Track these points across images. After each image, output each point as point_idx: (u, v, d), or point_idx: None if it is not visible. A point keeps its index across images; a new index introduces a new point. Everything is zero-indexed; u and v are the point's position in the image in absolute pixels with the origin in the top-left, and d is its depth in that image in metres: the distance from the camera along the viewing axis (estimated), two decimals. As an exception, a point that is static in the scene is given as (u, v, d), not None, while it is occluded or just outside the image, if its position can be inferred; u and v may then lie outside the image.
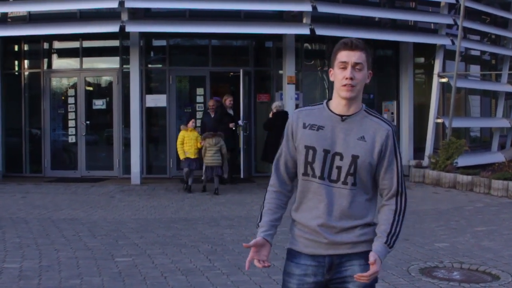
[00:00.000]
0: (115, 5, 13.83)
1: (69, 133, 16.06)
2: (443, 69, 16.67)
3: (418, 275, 6.60)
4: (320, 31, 14.35)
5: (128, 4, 13.84)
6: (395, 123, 16.69)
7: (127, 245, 8.07)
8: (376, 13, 16.85)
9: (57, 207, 11.29)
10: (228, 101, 14.32)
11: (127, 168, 15.22)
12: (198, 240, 8.38)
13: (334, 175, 2.95)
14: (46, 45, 16.43)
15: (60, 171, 15.87)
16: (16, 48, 16.80)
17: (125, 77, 15.52)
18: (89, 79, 16.49)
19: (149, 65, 16.49)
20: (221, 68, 16.61)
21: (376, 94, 17.55)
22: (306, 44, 16.84)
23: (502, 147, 20.18)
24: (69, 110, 16.00)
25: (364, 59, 2.96)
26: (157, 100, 15.71)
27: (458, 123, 17.20)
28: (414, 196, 12.98)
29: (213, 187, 13.08)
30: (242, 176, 14.56)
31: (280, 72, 15.86)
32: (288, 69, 15.24)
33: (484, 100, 21.26)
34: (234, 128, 14.21)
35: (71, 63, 16.55)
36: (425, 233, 8.92)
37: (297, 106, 14.36)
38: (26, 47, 16.69)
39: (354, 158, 2.92)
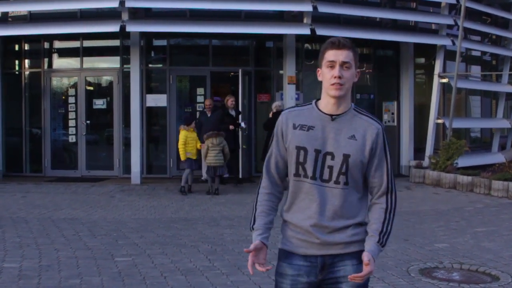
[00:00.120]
0: (115, 4, 13.82)
1: (70, 132, 16.06)
2: (444, 69, 16.67)
3: (417, 275, 6.60)
4: (320, 31, 14.34)
5: (128, 4, 13.84)
6: (395, 123, 16.70)
7: (127, 245, 8.07)
8: (376, 13, 16.85)
9: (57, 206, 11.29)
10: (230, 101, 14.22)
11: (127, 168, 15.22)
12: (198, 240, 8.38)
13: (326, 175, 2.95)
14: (46, 45, 16.43)
15: (60, 170, 15.87)
16: (16, 47, 16.81)
17: (125, 76, 15.52)
18: (90, 79, 16.49)
19: (150, 65, 16.49)
20: (221, 68, 16.61)
21: (377, 94, 17.55)
22: (306, 44, 16.84)
23: (502, 147, 20.17)
24: (69, 109, 16.00)
25: (351, 58, 2.96)
26: (157, 100, 15.71)
27: (459, 124, 17.19)
28: (414, 197, 13.00)
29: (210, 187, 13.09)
30: (240, 176, 14.53)
31: (281, 72, 15.86)
32: (289, 69, 15.25)
33: (484, 100, 21.25)
34: (233, 129, 14.08)
35: (72, 62, 16.55)
36: (425, 234, 8.91)
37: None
38: (26, 47, 16.70)
39: (346, 157, 2.93)
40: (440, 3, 16.67)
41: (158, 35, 15.96)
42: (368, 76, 18.29)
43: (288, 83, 15.16)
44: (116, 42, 15.94)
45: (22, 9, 15.54)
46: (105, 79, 16.70)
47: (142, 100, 15.19)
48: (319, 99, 3.07)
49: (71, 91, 16.16)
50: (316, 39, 16.00)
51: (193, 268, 6.88)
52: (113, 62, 16.36)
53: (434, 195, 13.31)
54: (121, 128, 15.63)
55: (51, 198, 12.31)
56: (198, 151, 13.19)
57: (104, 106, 16.14)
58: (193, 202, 11.95)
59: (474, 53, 20.37)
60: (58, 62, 16.75)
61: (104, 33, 14.67)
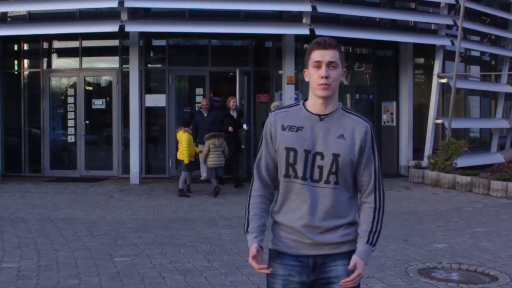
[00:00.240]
0: (114, 4, 13.81)
1: (69, 132, 16.05)
2: (443, 69, 16.68)
3: (416, 275, 6.60)
4: (319, 31, 14.32)
5: (127, 4, 13.83)
6: (394, 123, 16.69)
7: (125, 245, 8.07)
8: (376, 14, 16.84)
9: (56, 206, 11.29)
10: (232, 102, 14.01)
11: (126, 168, 15.21)
12: (196, 240, 8.38)
13: (316, 175, 2.95)
14: (45, 45, 16.42)
15: (59, 170, 15.86)
16: (15, 47, 16.80)
17: (124, 76, 15.52)
18: (89, 79, 16.48)
19: (149, 65, 16.48)
20: (220, 68, 16.60)
21: (376, 94, 17.56)
22: (305, 45, 16.73)
23: (501, 148, 20.17)
24: (68, 109, 15.99)
25: (337, 58, 2.97)
26: (156, 100, 15.70)
27: (458, 124, 17.20)
28: (413, 197, 13.00)
29: (206, 187, 13.08)
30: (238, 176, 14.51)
31: (280, 72, 15.85)
32: (288, 69, 15.25)
33: (483, 100, 21.26)
34: (233, 131, 13.86)
35: (71, 62, 16.54)
36: (424, 234, 8.91)
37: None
38: (25, 47, 16.68)
39: (335, 156, 2.93)
40: (439, 3, 16.67)
41: (157, 35, 15.96)
42: (367, 76, 18.31)
43: (287, 83, 15.15)
44: (115, 42, 15.93)
45: (21, 9, 15.53)
46: (104, 79, 16.69)
47: (141, 100, 15.18)
48: (306, 99, 3.08)
49: (70, 91, 16.15)
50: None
51: (191, 268, 6.88)
52: (112, 62, 16.35)
53: (433, 195, 13.31)
54: (120, 128, 15.62)
55: (50, 198, 12.30)
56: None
57: (103, 106, 16.13)
58: (192, 202, 11.95)
59: (473, 53, 20.39)
60: (57, 62, 16.74)
61: (103, 33, 14.66)
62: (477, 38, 19.98)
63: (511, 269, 6.91)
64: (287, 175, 3.00)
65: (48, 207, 11.17)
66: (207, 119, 14.06)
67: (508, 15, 19.17)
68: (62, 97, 16.39)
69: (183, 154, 12.67)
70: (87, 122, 15.92)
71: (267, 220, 3.11)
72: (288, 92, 15.12)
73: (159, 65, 16.69)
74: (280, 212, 3.06)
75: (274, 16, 15.95)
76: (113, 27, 13.96)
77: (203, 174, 14.42)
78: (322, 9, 14.46)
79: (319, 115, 2.98)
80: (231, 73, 16.19)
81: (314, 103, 3.00)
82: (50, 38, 16.12)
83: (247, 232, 3.05)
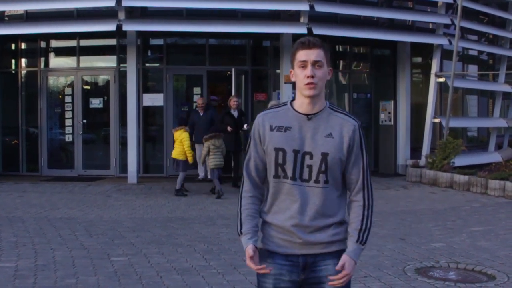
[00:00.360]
0: (112, 3, 13.79)
1: (66, 132, 16.04)
2: (441, 68, 16.69)
3: (414, 275, 6.60)
4: (317, 31, 14.32)
5: (125, 3, 13.81)
6: (392, 122, 16.70)
7: (123, 244, 8.06)
8: (373, 13, 16.84)
9: (54, 206, 11.27)
10: (233, 101, 13.86)
11: (123, 167, 15.20)
12: (194, 240, 8.37)
13: (305, 175, 2.96)
14: (43, 44, 16.42)
15: (56, 170, 15.85)
16: (13, 46, 16.79)
17: (122, 76, 15.51)
18: (86, 78, 16.47)
19: (146, 64, 16.47)
20: (218, 67, 16.59)
21: (374, 93, 17.57)
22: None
23: (499, 147, 20.20)
24: (66, 109, 15.99)
25: (322, 56, 2.98)
26: (154, 99, 15.70)
27: (455, 123, 17.21)
28: (411, 196, 13.01)
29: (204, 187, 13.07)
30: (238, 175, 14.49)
31: (278, 71, 15.85)
32: (285, 69, 15.22)
33: (481, 100, 21.29)
34: (232, 130, 13.74)
35: (68, 61, 16.52)
36: (421, 233, 8.91)
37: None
38: (23, 46, 16.67)
39: (324, 155, 2.94)
40: (437, 2, 16.67)
41: (155, 34, 15.95)
42: (365, 75, 18.32)
43: (285, 83, 15.14)
44: (112, 41, 15.93)
45: (18, 8, 15.51)
46: (101, 78, 16.67)
47: (139, 99, 15.17)
48: (293, 99, 3.08)
49: (68, 90, 16.14)
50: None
51: (189, 267, 6.87)
52: (110, 61, 16.34)
53: (430, 194, 13.31)
54: (118, 127, 15.61)
55: (48, 198, 12.29)
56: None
57: (101, 105, 16.11)
58: (189, 201, 11.94)
59: (471, 52, 20.42)
60: (55, 61, 16.74)
61: (101, 32, 14.63)
62: (475, 37, 20.01)
63: (509, 268, 6.91)
64: (276, 176, 3.00)
65: (45, 207, 11.15)
66: (203, 118, 14.04)
67: (506, 14, 19.19)
68: (60, 96, 16.38)
69: (184, 153, 12.61)
70: (84, 121, 15.91)
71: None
72: (286, 91, 15.10)
73: (157, 64, 16.68)
74: (270, 212, 3.07)
75: (271, 15, 15.94)
76: (110, 26, 13.94)
77: (201, 174, 14.43)
78: (320, 8, 14.46)
79: (307, 115, 2.99)
80: (229, 72, 16.16)
81: (301, 103, 3.00)
82: (47, 37, 16.11)
83: (241, 233, 3.05)
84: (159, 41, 16.39)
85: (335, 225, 3.01)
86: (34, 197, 12.37)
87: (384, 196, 12.88)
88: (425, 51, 17.55)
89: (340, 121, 3.00)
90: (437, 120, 16.49)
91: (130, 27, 14.36)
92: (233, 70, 15.04)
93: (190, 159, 12.69)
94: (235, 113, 13.86)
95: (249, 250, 2.95)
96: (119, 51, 15.83)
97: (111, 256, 7.39)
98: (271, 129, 3.01)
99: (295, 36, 15.27)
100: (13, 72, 16.67)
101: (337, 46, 17.87)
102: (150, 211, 10.89)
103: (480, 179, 13.42)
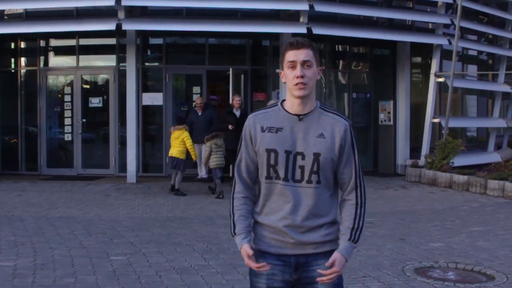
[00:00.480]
0: (111, 3, 13.78)
1: (65, 131, 16.04)
2: (440, 68, 16.68)
3: (413, 275, 6.60)
4: (317, 30, 14.33)
5: (124, 2, 13.80)
6: (391, 122, 16.70)
7: (122, 243, 8.05)
8: (373, 13, 16.83)
9: (53, 205, 11.27)
10: (236, 101, 13.82)
11: (123, 167, 15.20)
12: (193, 239, 8.37)
13: (297, 175, 2.96)
14: (42, 43, 16.41)
15: (56, 169, 15.84)
16: (12, 45, 16.77)
17: (121, 75, 15.50)
18: (86, 77, 16.45)
19: (146, 63, 16.45)
20: (217, 67, 16.57)
21: (373, 93, 17.57)
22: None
23: (498, 147, 20.21)
24: (65, 108, 15.98)
25: (311, 56, 2.96)
26: (153, 99, 15.70)
27: (455, 123, 17.21)
28: (410, 196, 13.01)
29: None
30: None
31: (277, 70, 15.79)
32: (285, 68, 15.20)
33: (480, 100, 21.29)
34: (233, 129, 13.66)
35: (68, 61, 16.51)
36: (420, 233, 8.91)
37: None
38: (22, 45, 16.66)
39: (316, 156, 2.94)
40: (436, 2, 16.66)
41: (154, 33, 15.94)
42: (364, 75, 18.32)
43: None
44: (112, 41, 15.92)
45: (18, 7, 15.50)
46: (101, 78, 16.66)
47: (138, 98, 15.17)
48: (284, 100, 3.08)
49: (67, 90, 16.13)
50: (312, 38, 15.97)
51: (188, 267, 6.87)
52: (109, 61, 16.32)
53: (430, 194, 13.31)
54: (117, 126, 15.60)
55: (47, 197, 12.28)
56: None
57: (100, 105, 16.11)
58: (188, 201, 11.94)
59: (470, 52, 20.42)
60: (54, 60, 16.73)
61: (100, 31, 14.60)
62: (475, 37, 20.01)
63: (508, 268, 6.91)
64: (268, 177, 3.01)
65: (44, 206, 11.15)
66: (202, 118, 14.04)
67: (506, 14, 19.19)
68: (59, 95, 16.37)
69: (184, 152, 12.63)
70: (84, 120, 15.90)
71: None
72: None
73: (156, 64, 16.67)
74: (262, 213, 3.07)
75: (271, 15, 15.93)
76: (110, 26, 13.93)
77: (200, 173, 14.41)
78: (320, 7, 14.45)
79: (298, 115, 2.99)
80: (228, 72, 16.20)
81: (292, 104, 3.01)
82: (47, 36, 16.10)
83: (235, 234, 3.05)
84: (159, 41, 16.39)
85: (327, 225, 3.01)
86: (33, 196, 12.37)
87: (383, 196, 12.88)
88: (425, 51, 17.54)
89: (331, 121, 3.00)
90: (436, 120, 16.49)
91: (129, 26, 14.34)
92: (230, 69, 15.03)
93: (194, 157, 13.01)
94: (237, 113, 13.79)
95: (247, 249, 2.96)
96: (119, 50, 15.82)
97: (110, 255, 7.39)
98: (262, 130, 3.01)
99: (295, 36, 15.28)
100: (13, 71, 16.67)
101: (336, 46, 17.88)
102: (149, 210, 10.89)
103: (479, 179, 13.42)
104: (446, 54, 17.01)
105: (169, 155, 12.90)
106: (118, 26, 13.82)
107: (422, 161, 15.77)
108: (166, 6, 15.48)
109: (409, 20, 17.74)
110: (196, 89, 16.06)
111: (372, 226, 9.36)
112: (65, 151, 16.42)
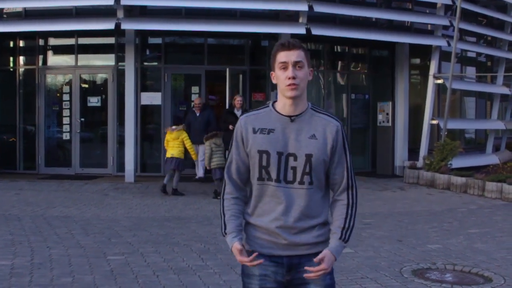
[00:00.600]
0: (111, 2, 13.77)
1: (64, 130, 16.03)
2: (439, 70, 16.69)
3: (410, 276, 6.59)
4: (316, 31, 14.34)
5: (124, 2, 13.79)
6: (390, 123, 16.71)
7: (119, 243, 8.05)
8: (372, 14, 16.84)
9: (50, 204, 11.26)
10: (237, 101, 13.68)
11: (121, 166, 15.20)
12: (191, 239, 8.36)
13: (290, 176, 2.96)
14: (41, 42, 16.40)
15: (54, 168, 15.84)
16: (11, 44, 16.76)
17: (120, 74, 15.50)
18: (84, 76, 16.45)
19: (145, 63, 16.44)
20: (216, 67, 16.56)
21: (372, 94, 17.59)
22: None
23: (496, 149, 20.22)
24: (63, 107, 15.98)
25: (303, 57, 2.96)
26: (152, 98, 15.69)
27: (453, 125, 17.22)
28: (408, 197, 13.01)
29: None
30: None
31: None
32: (284, 69, 15.19)
33: (479, 102, 21.30)
34: (232, 129, 13.62)
35: (66, 60, 16.51)
36: (418, 235, 8.91)
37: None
38: (21, 43, 16.66)
39: (308, 157, 2.94)
40: (435, 4, 16.67)
41: (154, 33, 15.92)
42: (363, 76, 18.32)
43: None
44: (111, 40, 15.92)
45: (17, 5, 15.49)
46: (99, 77, 16.66)
47: (137, 98, 15.16)
48: (275, 101, 3.08)
49: (66, 89, 16.12)
50: (311, 39, 16.00)
51: (185, 267, 6.87)
52: (108, 60, 16.32)
53: (427, 195, 13.32)
54: (116, 126, 15.60)
55: (44, 196, 12.27)
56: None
57: (99, 104, 16.10)
58: (186, 201, 11.93)
59: (469, 54, 20.42)
60: (53, 59, 16.73)
61: (99, 30, 14.63)
62: (473, 39, 20.02)
63: (505, 270, 6.91)
64: (260, 178, 3.00)
65: (42, 205, 11.14)
66: (200, 118, 14.02)
67: (505, 17, 19.21)
68: (58, 95, 16.37)
69: (184, 152, 12.60)
70: (82, 119, 15.90)
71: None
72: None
73: (155, 63, 16.67)
74: (254, 214, 3.07)
75: (270, 15, 15.94)
76: (109, 25, 13.93)
77: (198, 174, 14.39)
78: (319, 8, 14.46)
79: (290, 116, 2.99)
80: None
81: (283, 105, 3.01)
82: (46, 35, 16.09)
83: (225, 233, 3.04)
84: (158, 40, 16.39)
85: (319, 226, 3.02)
86: (30, 195, 12.35)
87: (381, 197, 12.88)
88: (424, 52, 17.55)
89: (323, 122, 3.00)
90: (435, 122, 16.49)
91: (128, 25, 14.33)
92: (227, 70, 15.02)
93: (195, 157, 13.23)
94: (238, 113, 13.70)
95: (237, 245, 2.95)
96: (118, 50, 15.81)
97: (107, 255, 7.38)
98: (254, 132, 3.01)
99: (294, 37, 15.30)
100: (11, 70, 16.67)
101: (335, 47, 17.89)
102: (147, 210, 10.88)
103: (477, 181, 13.43)
104: (445, 56, 17.01)
105: (169, 156, 12.65)
106: (117, 26, 13.81)
107: (420, 162, 15.78)
108: (165, 5, 15.48)
109: (408, 22, 17.76)
110: (195, 89, 16.05)
111: (369, 227, 9.37)
112: (63, 150, 16.41)
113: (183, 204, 11.57)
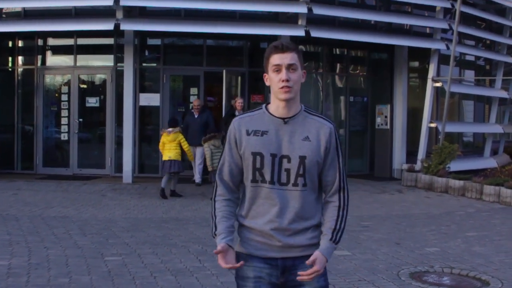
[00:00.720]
0: (110, 2, 13.77)
1: (62, 130, 16.02)
2: (438, 73, 16.70)
3: (408, 279, 6.59)
4: (315, 33, 14.34)
5: (123, 2, 13.79)
6: (388, 126, 16.71)
7: (117, 244, 8.03)
8: (371, 16, 16.85)
9: (48, 204, 11.24)
10: (238, 103, 13.60)
11: (119, 167, 15.19)
12: (188, 240, 8.36)
13: (283, 178, 2.96)
14: (40, 42, 16.39)
15: (52, 168, 15.82)
16: (10, 44, 16.76)
17: (119, 75, 15.49)
18: (83, 77, 16.44)
19: (143, 64, 16.44)
20: (215, 68, 16.55)
21: (370, 97, 17.58)
22: (300, 46, 16.77)
23: (494, 152, 20.24)
24: (62, 107, 15.97)
25: (296, 59, 2.98)
26: (150, 99, 15.68)
27: (451, 128, 17.23)
28: (406, 200, 13.01)
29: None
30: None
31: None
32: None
33: (477, 105, 21.31)
34: None
35: (65, 60, 16.50)
36: (416, 238, 8.91)
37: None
38: (20, 43, 16.65)
39: (302, 159, 2.95)
40: (435, 7, 16.70)
41: (153, 34, 15.93)
42: (362, 79, 18.32)
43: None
44: (110, 41, 15.92)
45: (16, 5, 15.49)
46: (98, 77, 16.65)
47: (135, 99, 15.16)
48: (268, 103, 3.09)
49: (64, 89, 16.12)
50: (310, 41, 16.01)
51: (183, 268, 6.86)
52: (107, 61, 16.32)
53: (425, 199, 13.32)
54: (114, 126, 15.60)
55: (42, 196, 12.25)
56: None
57: (97, 105, 16.10)
58: (184, 202, 11.92)
59: (468, 57, 20.44)
60: (52, 60, 16.72)
61: (98, 31, 14.60)
62: (472, 43, 20.05)
63: (503, 274, 6.91)
64: (254, 180, 3.00)
65: (40, 205, 11.12)
66: (198, 120, 14.01)
67: (503, 20, 19.24)
68: (56, 95, 16.36)
69: (181, 154, 12.55)
70: (80, 120, 15.89)
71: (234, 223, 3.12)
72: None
73: (154, 64, 16.66)
74: (248, 216, 3.06)
75: (269, 17, 15.95)
76: (108, 26, 13.92)
77: (198, 176, 14.29)
78: (318, 11, 14.46)
79: (283, 118, 2.99)
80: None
81: (277, 107, 3.01)
82: (44, 35, 16.09)
83: (215, 235, 3.04)
84: (157, 41, 16.39)
85: (313, 228, 3.02)
86: (28, 195, 12.34)
87: (379, 200, 12.88)
88: (422, 55, 17.55)
89: (316, 124, 3.01)
90: (433, 125, 16.50)
91: (128, 26, 14.33)
92: (224, 72, 15.01)
93: (191, 158, 13.22)
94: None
95: (218, 246, 2.95)
96: (117, 51, 15.80)
97: (105, 255, 7.37)
98: (248, 134, 3.01)
99: (293, 39, 15.29)
100: (10, 70, 16.66)
101: (334, 49, 17.89)
102: (145, 211, 10.87)
103: (475, 184, 13.43)
104: (443, 59, 17.03)
105: (167, 158, 12.48)
106: (116, 26, 13.80)
107: (418, 165, 15.79)
108: (164, 6, 15.49)
109: (407, 25, 17.76)
110: (194, 91, 16.05)
111: (367, 230, 9.36)
112: (61, 151, 16.39)
113: (181, 205, 11.56)
